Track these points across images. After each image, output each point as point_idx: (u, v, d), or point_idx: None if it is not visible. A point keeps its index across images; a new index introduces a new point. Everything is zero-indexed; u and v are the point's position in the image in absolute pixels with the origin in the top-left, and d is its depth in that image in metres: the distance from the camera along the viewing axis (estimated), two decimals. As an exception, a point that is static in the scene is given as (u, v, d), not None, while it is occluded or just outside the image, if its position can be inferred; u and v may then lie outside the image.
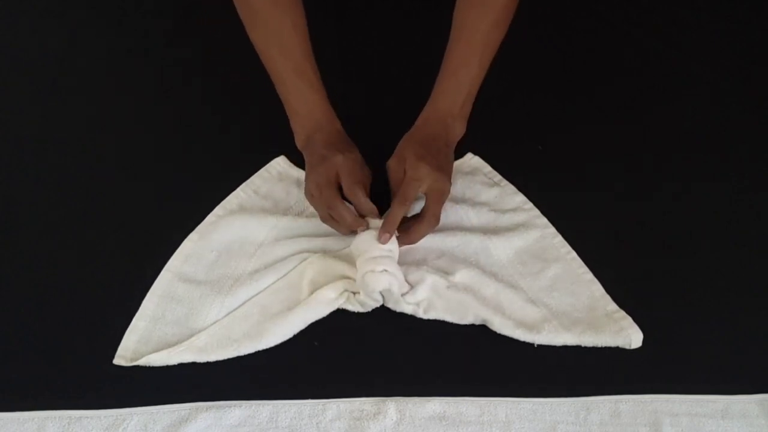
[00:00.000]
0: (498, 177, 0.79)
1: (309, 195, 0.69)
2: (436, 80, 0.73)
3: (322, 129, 0.72)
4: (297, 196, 0.76)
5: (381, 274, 0.63)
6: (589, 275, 0.69)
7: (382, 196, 0.75)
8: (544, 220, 0.74)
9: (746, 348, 0.64)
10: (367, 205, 0.67)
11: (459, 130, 0.73)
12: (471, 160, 0.81)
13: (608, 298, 0.67)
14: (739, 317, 0.67)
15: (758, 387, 0.61)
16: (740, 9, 1.04)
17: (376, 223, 0.67)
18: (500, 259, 0.70)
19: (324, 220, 0.69)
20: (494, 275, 0.69)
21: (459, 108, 0.72)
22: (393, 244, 0.66)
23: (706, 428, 0.59)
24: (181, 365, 0.62)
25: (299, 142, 0.74)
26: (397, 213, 0.66)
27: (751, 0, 1.05)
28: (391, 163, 0.69)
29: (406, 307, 0.65)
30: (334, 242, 0.71)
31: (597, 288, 0.68)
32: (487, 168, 0.80)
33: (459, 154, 0.80)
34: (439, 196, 0.67)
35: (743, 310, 0.67)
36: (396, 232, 0.66)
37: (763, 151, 0.83)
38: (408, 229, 0.67)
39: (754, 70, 0.94)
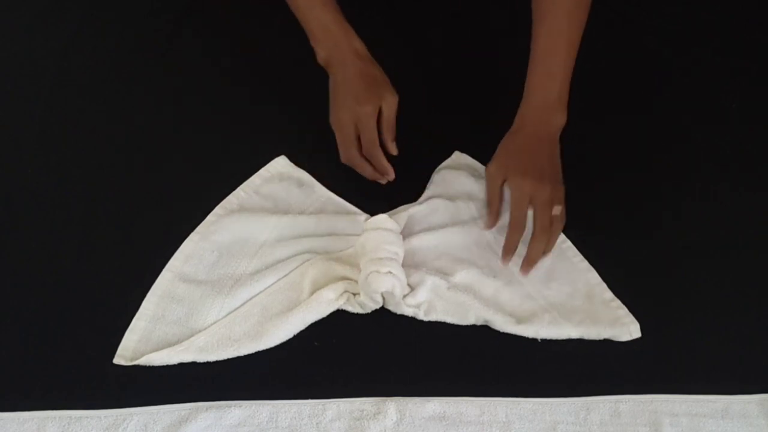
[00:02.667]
0: (483, 169, 0.79)
1: (338, 128, 0.74)
2: (527, 73, 0.72)
3: (339, 50, 0.74)
4: (298, 196, 0.76)
5: (385, 275, 0.63)
6: (585, 263, 0.70)
7: (383, 195, 0.75)
8: None
9: (746, 348, 0.64)
10: (386, 167, 0.72)
11: (560, 120, 0.71)
12: (459, 157, 0.81)
13: (604, 285, 0.68)
14: (739, 317, 0.67)
15: (758, 387, 0.61)
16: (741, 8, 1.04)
17: (382, 221, 0.67)
18: (498, 252, 0.70)
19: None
20: (492, 271, 0.69)
21: (555, 99, 0.71)
22: (399, 247, 0.66)
23: (706, 428, 0.59)
24: (182, 365, 0.62)
25: (320, 57, 0.76)
26: (512, 239, 0.67)
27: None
28: (491, 170, 0.71)
29: (406, 309, 0.65)
30: (335, 242, 0.71)
31: (593, 276, 0.69)
32: (473, 162, 0.80)
33: (447, 153, 0.80)
34: (543, 207, 0.67)
35: (743, 310, 0.67)
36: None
37: (763, 150, 0.83)
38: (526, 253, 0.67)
39: (754, 69, 0.94)
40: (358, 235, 0.69)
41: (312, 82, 0.88)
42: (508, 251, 0.67)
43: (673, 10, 1.02)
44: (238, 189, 0.76)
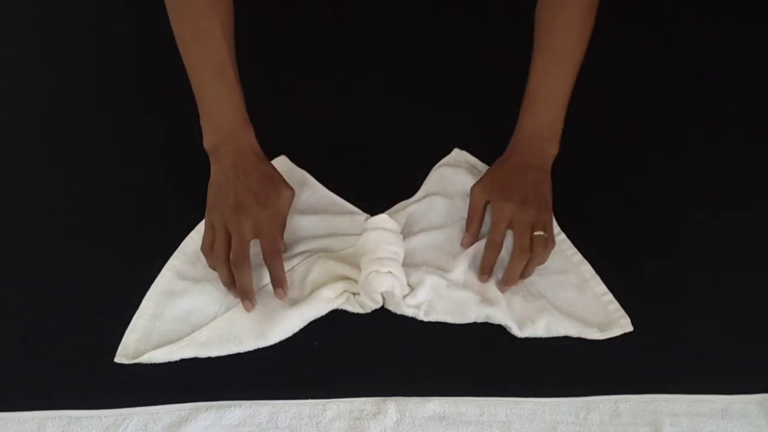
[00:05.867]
0: (483, 166, 0.79)
1: (218, 227, 0.64)
2: (522, 100, 0.72)
3: (235, 138, 0.68)
4: (298, 196, 0.76)
5: (385, 275, 0.63)
6: (578, 256, 0.71)
7: (383, 195, 0.75)
8: None
9: (746, 348, 0.64)
10: (282, 276, 0.64)
11: (551, 150, 0.72)
12: (457, 154, 0.81)
13: (597, 278, 0.69)
14: (739, 317, 0.67)
15: (758, 387, 0.61)
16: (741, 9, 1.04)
17: (382, 220, 0.67)
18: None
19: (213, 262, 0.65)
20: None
21: (547, 128, 0.71)
22: (399, 247, 0.66)
23: (706, 428, 0.59)
24: (182, 364, 0.62)
25: (208, 143, 0.70)
26: (488, 259, 0.67)
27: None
28: (475, 189, 0.70)
29: (406, 309, 0.65)
30: (335, 242, 0.71)
31: (586, 269, 0.70)
32: (473, 159, 0.80)
33: (446, 150, 0.80)
34: (522, 228, 0.67)
35: (743, 310, 0.67)
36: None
37: (763, 149, 0.83)
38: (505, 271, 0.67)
39: (754, 69, 0.94)
40: (358, 234, 0.69)
41: (312, 82, 0.88)
42: (484, 271, 0.67)
43: (675, 12, 1.02)
44: (238, 189, 0.76)
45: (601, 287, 0.68)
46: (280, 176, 0.69)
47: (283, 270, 0.64)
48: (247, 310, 0.63)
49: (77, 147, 0.83)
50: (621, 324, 0.65)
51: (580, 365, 0.63)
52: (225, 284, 0.65)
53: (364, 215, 0.73)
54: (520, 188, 0.69)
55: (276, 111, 0.86)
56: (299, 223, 0.73)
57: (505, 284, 0.67)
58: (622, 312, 0.66)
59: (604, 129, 0.85)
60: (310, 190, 0.77)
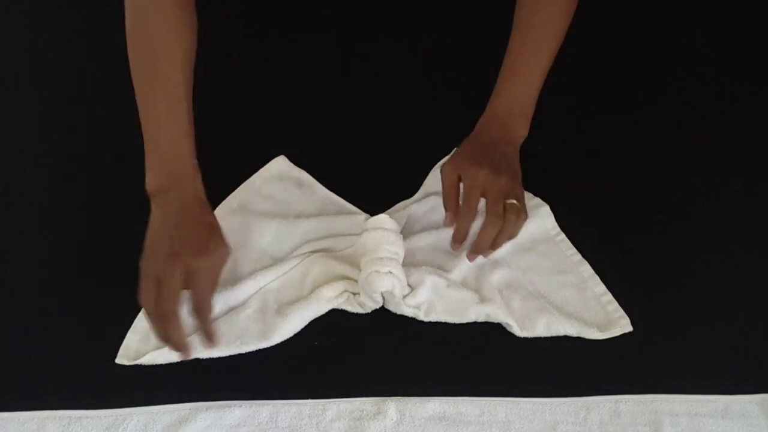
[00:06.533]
0: None
1: (156, 273, 0.59)
2: (497, 81, 0.71)
3: (182, 184, 0.64)
4: (298, 196, 0.76)
5: (385, 275, 0.63)
6: (578, 256, 0.71)
7: (383, 195, 0.75)
8: (537, 200, 0.75)
9: (746, 348, 0.64)
10: (212, 330, 0.60)
11: (521, 131, 0.71)
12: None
13: (597, 278, 0.69)
14: (739, 317, 0.67)
15: (758, 387, 0.61)
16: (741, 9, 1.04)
17: (382, 220, 0.67)
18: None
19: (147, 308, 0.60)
20: (490, 265, 0.69)
21: (519, 108, 0.70)
22: (399, 247, 0.66)
23: (706, 428, 0.59)
24: (182, 364, 0.62)
25: (150, 184, 0.65)
26: (462, 225, 0.65)
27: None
28: (445, 168, 0.68)
29: (406, 309, 0.65)
30: (335, 242, 0.71)
31: (586, 269, 0.70)
32: None
33: (446, 150, 0.80)
34: (495, 195, 0.65)
35: (743, 310, 0.67)
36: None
37: (762, 149, 0.83)
38: (477, 239, 0.66)
39: (755, 70, 0.94)
40: (358, 234, 0.69)
41: (312, 82, 0.88)
42: (457, 239, 0.65)
43: (675, 8, 1.02)
44: (238, 189, 0.76)
45: (600, 287, 0.68)
46: (220, 229, 0.64)
47: (211, 325, 0.60)
48: (186, 358, 0.60)
49: (78, 147, 0.83)
50: (621, 324, 0.65)
51: (580, 365, 0.63)
52: (158, 339, 0.60)
53: (364, 215, 0.73)
54: (492, 159, 0.67)
55: (276, 111, 0.86)
56: (299, 224, 0.73)
57: (473, 251, 0.65)
58: (621, 312, 0.66)
59: (604, 129, 0.85)
60: (309, 189, 0.77)
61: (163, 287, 0.58)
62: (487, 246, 0.65)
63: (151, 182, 0.65)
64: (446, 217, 0.67)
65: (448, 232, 0.72)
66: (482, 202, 0.66)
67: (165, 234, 0.61)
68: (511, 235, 0.66)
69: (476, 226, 0.67)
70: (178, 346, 0.59)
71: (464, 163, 0.67)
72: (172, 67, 0.65)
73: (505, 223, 0.64)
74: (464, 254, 0.69)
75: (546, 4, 0.69)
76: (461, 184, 0.67)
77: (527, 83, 0.70)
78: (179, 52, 0.65)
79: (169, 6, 0.65)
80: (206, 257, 0.60)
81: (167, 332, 0.58)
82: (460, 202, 0.67)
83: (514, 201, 0.65)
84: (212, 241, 0.61)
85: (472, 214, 0.65)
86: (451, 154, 0.80)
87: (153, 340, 0.63)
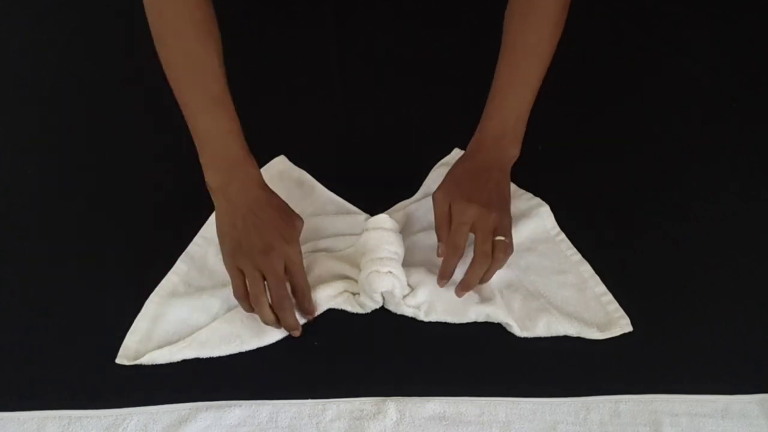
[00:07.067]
0: None
1: (245, 268, 0.61)
2: (486, 101, 0.71)
3: (241, 174, 0.66)
4: (298, 196, 0.76)
5: (385, 275, 0.63)
6: (578, 256, 0.71)
7: (383, 195, 0.75)
8: (537, 200, 0.75)
9: (746, 348, 0.64)
10: (313, 307, 0.65)
11: (512, 152, 0.70)
12: (457, 154, 0.80)
13: (597, 278, 0.69)
14: (738, 317, 0.67)
15: (758, 387, 0.61)
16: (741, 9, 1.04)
17: (382, 220, 0.67)
18: None
19: (239, 297, 0.63)
20: None
21: (511, 130, 0.69)
22: (399, 247, 0.66)
23: (706, 428, 0.59)
24: (182, 365, 0.62)
25: (211, 180, 0.66)
26: (448, 263, 0.65)
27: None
28: (437, 195, 0.67)
29: (406, 309, 0.66)
30: (336, 242, 0.71)
31: (586, 269, 0.70)
32: None
33: (446, 150, 0.80)
34: (485, 233, 0.64)
35: (743, 311, 0.67)
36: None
37: (762, 149, 0.83)
38: (465, 276, 0.65)
39: (753, 72, 0.94)
40: (358, 234, 0.69)
41: (312, 82, 0.88)
42: (443, 276, 0.65)
43: (674, 11, 1.02)
44: (239, 189, 0.76)
45: (600, 287, 0.68)
46: (288, 206, 0.67)
47: (312, 301, 0.65)
48: (297, 336, 0.64)
49: (79, 147, 0.83)
50: (621, 324, 0.65)
51: (580, 365, 0.63)
52: (267, 323, 0.62)
53: (364, 215, 0.73)
54: (483, 191, 0.66)
55: (276, 111, 0.86)
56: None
57: (463, 289, 0.65)
58: (621, 312, 0.66)
59: (604, 131, 0.85)
60: (309, 189, 0.77)
61: (271, 280, 0.61)
62: (475, 283, 0.65)
63: (211, 179, 0.66)
64: (439, 247, 0.66)
65: None
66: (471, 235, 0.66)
67: (249, 228, 0.63)
68: (499, 269, 0.66)
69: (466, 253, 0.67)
70: (295, 327, 0.63)
71: (455, 193, 0.66)
72: (211, 64, 0.66)
73: (493, 261, 0.64)
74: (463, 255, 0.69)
75: (535, 24, 0.69)
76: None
77: (518, 104, 0.69)
78: (214, 49, 0.66)
79: (197, 5, 0.66)
80: (294, 241, 0.63)
81: (286, 318, 0.62)
82: (451, 239, 0.66)
83: (503, 238, 0.65)
84: (290, 222, 0.65)
85: (459, 252, 0.65)
86: (451, 154, 0.80)
87: (152, 340, 0.63)
